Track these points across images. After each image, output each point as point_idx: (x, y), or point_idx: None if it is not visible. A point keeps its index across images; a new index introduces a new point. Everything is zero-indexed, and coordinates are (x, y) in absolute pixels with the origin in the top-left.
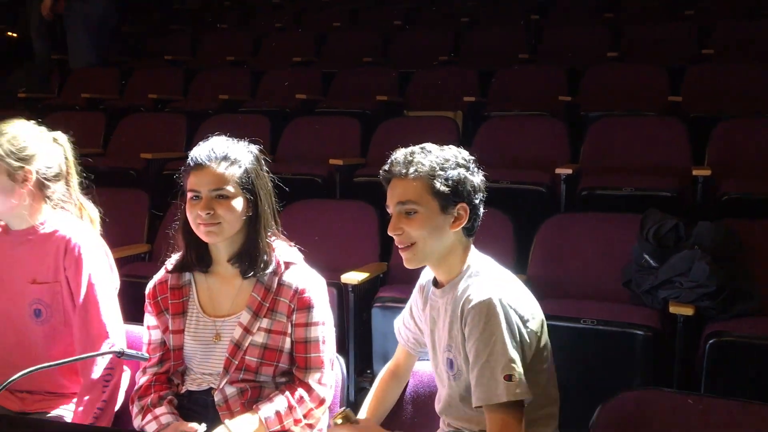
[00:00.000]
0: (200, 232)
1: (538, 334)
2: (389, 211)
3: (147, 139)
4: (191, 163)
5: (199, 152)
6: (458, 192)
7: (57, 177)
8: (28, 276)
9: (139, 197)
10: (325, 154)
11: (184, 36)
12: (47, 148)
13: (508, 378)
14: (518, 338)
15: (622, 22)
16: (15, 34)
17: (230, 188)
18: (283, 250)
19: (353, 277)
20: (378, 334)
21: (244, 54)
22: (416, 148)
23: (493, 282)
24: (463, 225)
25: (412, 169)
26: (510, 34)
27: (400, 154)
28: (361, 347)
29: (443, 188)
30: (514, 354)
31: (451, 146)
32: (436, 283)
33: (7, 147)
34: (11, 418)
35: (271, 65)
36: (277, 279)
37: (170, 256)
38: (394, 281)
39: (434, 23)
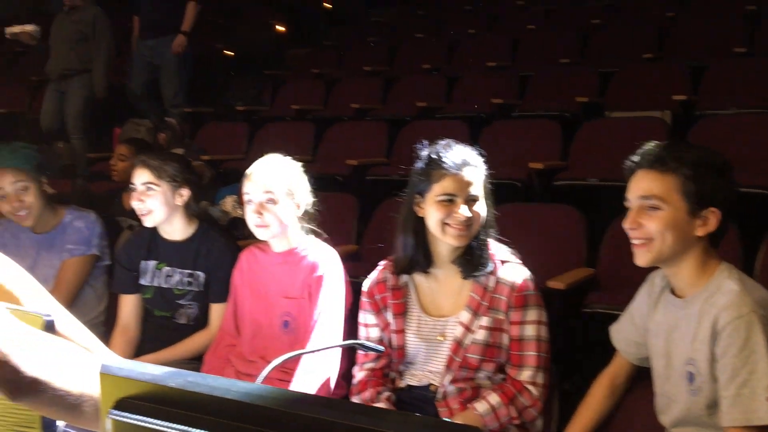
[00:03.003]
0: (448, 234)
1: None
2: (627, 204)
3: (351, 146)
4: (449, 169)
5: (453, 158)
6: (711, 196)
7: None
8: (281, 291)
9: (347, 201)
10: (523, 158)
11: (380, 47)
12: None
13: None
14: None
15: None
16: (232, 53)
17: (479, 192)
18: (497, 248)
19: (559, 282)
20: (585, 341)
21: (439, 61)
22: (673, 143)
23: (750, 297)
24: (709, 231)
25: (664, 164)
26: (722, 26)
27: (652, 145)
28: (567, 354)
29: (696, 190)
30: None
31: (708, 147)
32: (673, 291)
33: (297, 181)
34: None
35: (465, 71)
36: (494, 277)
37: (391, 257)
38: (601, 288)
39: (635, 19)
